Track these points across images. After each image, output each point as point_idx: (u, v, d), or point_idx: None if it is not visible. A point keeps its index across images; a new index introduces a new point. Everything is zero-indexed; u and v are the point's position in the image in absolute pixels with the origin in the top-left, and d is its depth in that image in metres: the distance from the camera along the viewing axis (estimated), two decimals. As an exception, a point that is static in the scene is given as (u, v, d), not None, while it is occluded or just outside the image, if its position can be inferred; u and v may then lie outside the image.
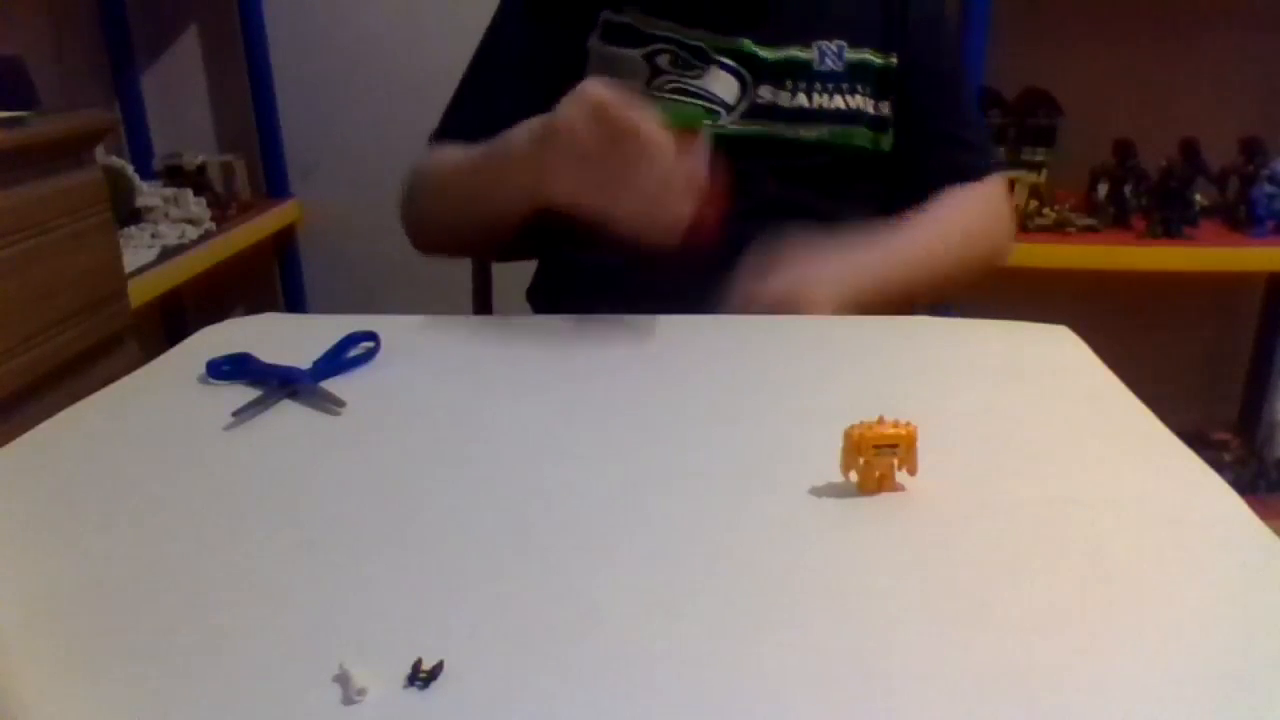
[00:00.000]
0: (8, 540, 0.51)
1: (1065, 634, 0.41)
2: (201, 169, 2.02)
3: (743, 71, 1.01)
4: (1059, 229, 1.76)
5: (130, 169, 1.83)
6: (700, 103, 1.01)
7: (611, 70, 1.00)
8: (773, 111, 1.01)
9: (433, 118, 1.04)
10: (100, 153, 1.52)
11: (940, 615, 0.43)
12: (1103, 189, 1.83)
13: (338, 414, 0.64)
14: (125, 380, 0.72)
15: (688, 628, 0.42)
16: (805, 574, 0.46)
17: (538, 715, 0.37)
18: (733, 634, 0.42)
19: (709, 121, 1.00)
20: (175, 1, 2.18)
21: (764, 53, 1.01)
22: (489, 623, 0.43)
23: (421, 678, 0.38)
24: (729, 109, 1.01)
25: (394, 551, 0.49)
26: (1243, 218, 1.78)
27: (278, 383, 0.67)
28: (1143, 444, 0.59)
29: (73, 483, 0.57)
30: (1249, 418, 2.09)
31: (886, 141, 1.04)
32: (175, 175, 2.00)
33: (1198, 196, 1.80)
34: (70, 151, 1.34)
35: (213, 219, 1.92)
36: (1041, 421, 0.62)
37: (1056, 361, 0.72)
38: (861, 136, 1.03)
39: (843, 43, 1.02)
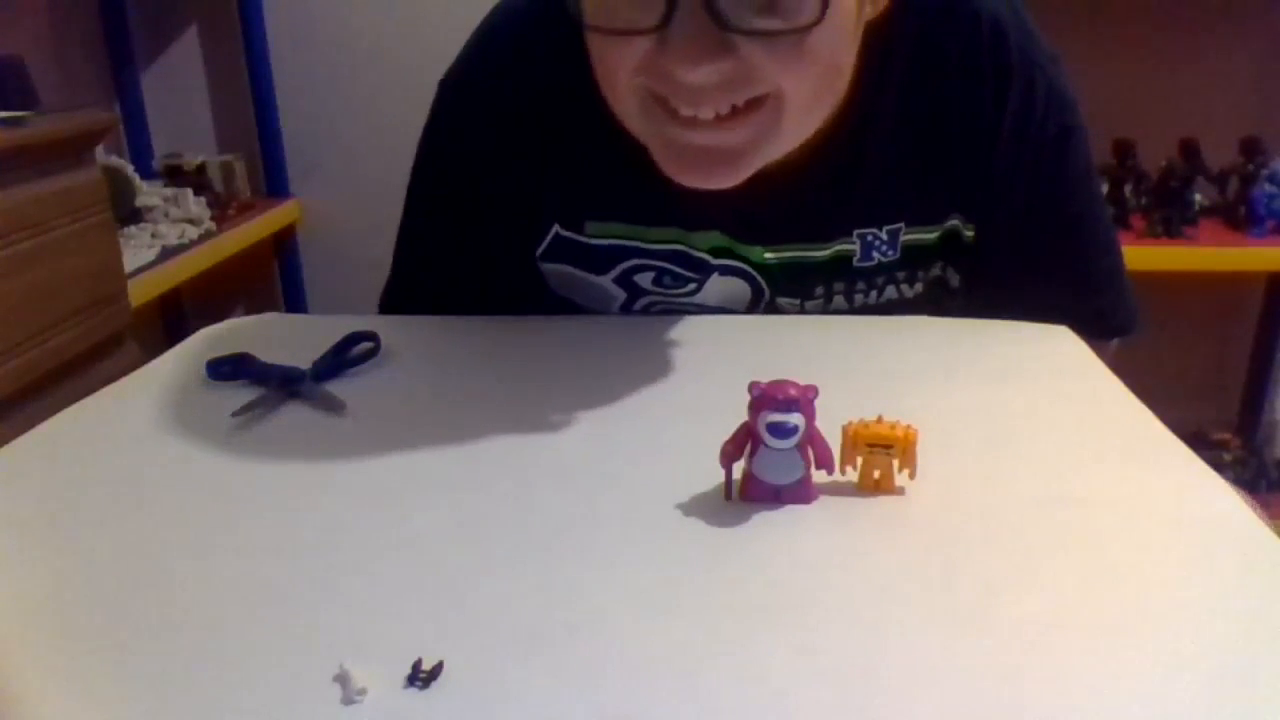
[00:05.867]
0: (8, 540, 0.51)
1: (1065, 634, 0.41)
2: (201, 169, 2.02)
3: (754, 275, 0.80)
4: (1059, 229, 1.76)
5: (130, 169, 1.83)
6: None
7: (573, 292, 0.83)
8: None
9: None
10: (100, 153, 1.52)
11: (940, 615, 0.43)
12: (1103, 189, 1.83)
13: (338, 414, 0.64)
14: (125, 380, 0.72)
15: (687, 627, 0.42)
16: (805, 573, 0.46)
17: (538, 715, 0.37)
18: (732, 633, 0.42)
19: None
20: (175, 1, 2.18)
21: (775, 257, 0.78)
22: (489, 623, 0.43)
23: (421, 678, 0.38)
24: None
25: (394, 551, 0.49)
26: (1243, 218, 1.78)
27: (278, 383, 0.67)
28: (1143, 444, 0.59)
29: (73, 483, 0.57)
30: (1249, 418, 2.09)
31: (952, 305, 0.83)
32: (175, 175, 2.00)
33: (1198, 196, 1.80)
34: (70, 151, 1.34)
35: (213, 219, 1.92)
36: (1041, 421, 0.62)
37: (1056, 361, 0.72)
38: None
39: (899, 225, 0.78)
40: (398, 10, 2.11)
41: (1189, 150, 1.81)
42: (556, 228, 0.80)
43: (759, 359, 0.72)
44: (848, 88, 0.69)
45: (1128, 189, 1.81)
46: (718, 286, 0.80)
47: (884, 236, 0.78)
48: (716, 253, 0.79)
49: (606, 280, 0.81)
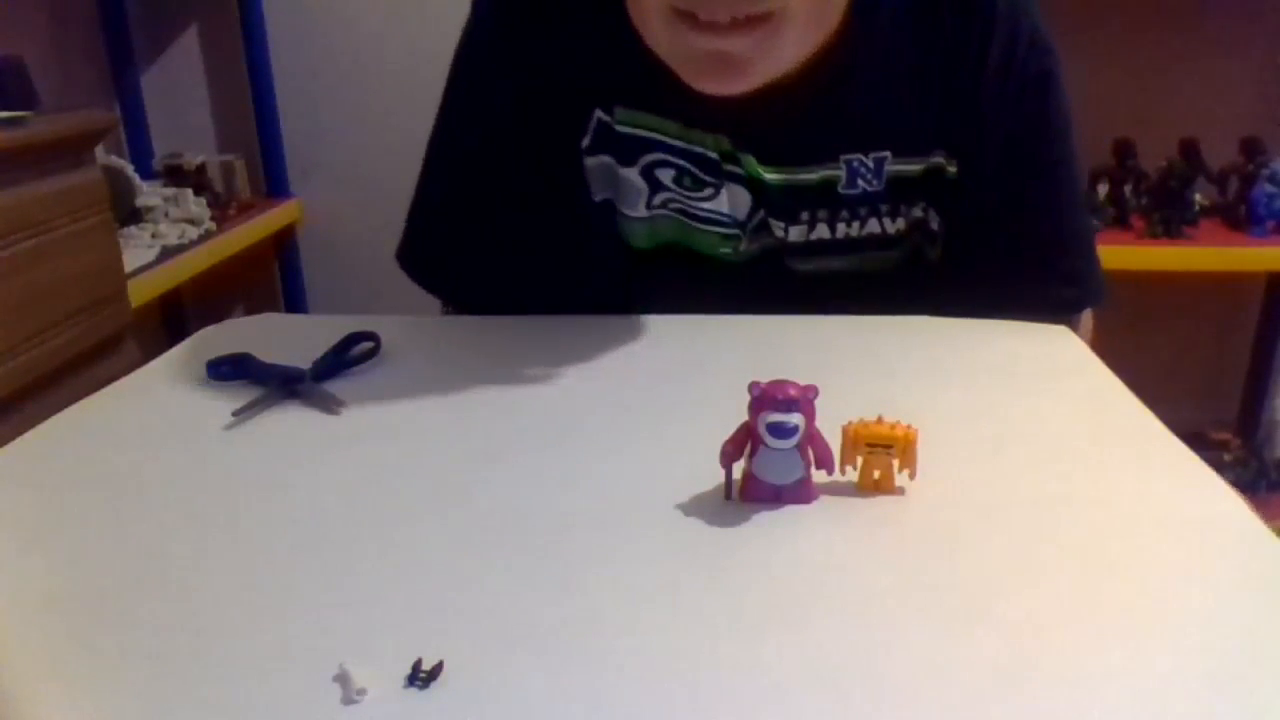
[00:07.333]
0: (8, 540, 0.51)
1: (1065, 634, 0.41)
2: (201, 169, 2.03)
3: (754, 187, 0.82)
4: (1059, 229, 1.76)
5: (130, 169, 1.83)
6: (714, 229, 0.84)
7: (608, 188, 0.85)
8: (784, 247, 0.84)
9: (432, 118, 0.99)
10: (100, 153, 1.52)
11: (940, 615, 0.43)
12: (1103, 189, 1.83)
13: (338, 414, 0.64)
14: (125, 380, 0.72)
15: (687, 627, 0.42)
16: (805, 573, 0.46)
17: (537, 715, 0.37)
18: (732, 633, 0.42)
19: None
20: (175, 1, 2.18)
21: (771, 175, 0.80)
22: (489, 623, 0.43)
23: (421, 678, 0.38)
24: (744, 227, 0.84)
25: (394, 551, 0.49)
26: (1243, 218, 1.78)
27: (278, 383, 0.67)
28: (1143, 444, 0.59)
29: (73, 483, 0.57)
30: (1249, 418, 2.09)
31: (932, 252, 0.85)
32: (175, 175, 2.00)
33: (1198, 196, 1.80)
34: (70, 151, 1.34)
35: (213, 219, 1.92)
36: (1041, 422, 0.62)
37: (1056, 361, 0.72)
38: (896, 259, 0.85)
39: (885, 153, 0.80)
40: (398, 10, 2.12)
41: (1189, 150, 1.81)
42: (598, 113, 0.82)
43: (759, 359, 0.72)
44: (841, 11, 0.75)
45: (1128, 189, 1.81)
46: (730, 194, 0.83)
47: (870, 164, 0.80)
48: (725, 158, 0.81)
49: (634, 173, 0.83)
